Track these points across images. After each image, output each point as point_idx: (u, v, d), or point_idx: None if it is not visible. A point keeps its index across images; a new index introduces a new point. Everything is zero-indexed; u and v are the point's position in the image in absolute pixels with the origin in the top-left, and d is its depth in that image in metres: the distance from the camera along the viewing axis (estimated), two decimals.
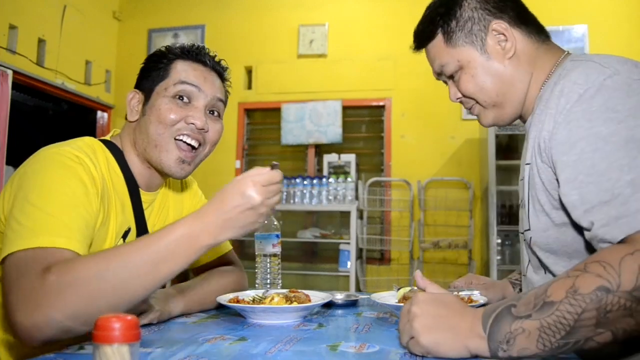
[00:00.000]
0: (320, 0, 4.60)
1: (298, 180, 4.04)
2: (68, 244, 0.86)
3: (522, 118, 1.06)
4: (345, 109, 4.41)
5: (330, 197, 3.98)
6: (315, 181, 4.03)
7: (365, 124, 4.59)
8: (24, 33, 3.74)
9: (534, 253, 0.99)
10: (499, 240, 3.73)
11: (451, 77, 1.06)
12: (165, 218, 1.25)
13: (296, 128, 4.46)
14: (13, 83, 3.49)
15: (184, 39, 4.64)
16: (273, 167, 0.92)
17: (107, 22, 4.78)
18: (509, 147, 3.91)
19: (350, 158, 4.32)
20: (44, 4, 3.96)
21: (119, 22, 4.91)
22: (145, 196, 1.18)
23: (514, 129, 3.69)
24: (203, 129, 1.12)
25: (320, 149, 4.51)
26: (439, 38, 1.04)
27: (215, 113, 1.18)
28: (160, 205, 1.24)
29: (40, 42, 3.92)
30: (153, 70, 1.14)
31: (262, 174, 0.88)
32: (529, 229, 0.97)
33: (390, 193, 4.24)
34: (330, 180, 4.01)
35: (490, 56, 1.00)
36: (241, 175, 0.88)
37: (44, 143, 1.06)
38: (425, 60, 1.10)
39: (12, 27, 3.66)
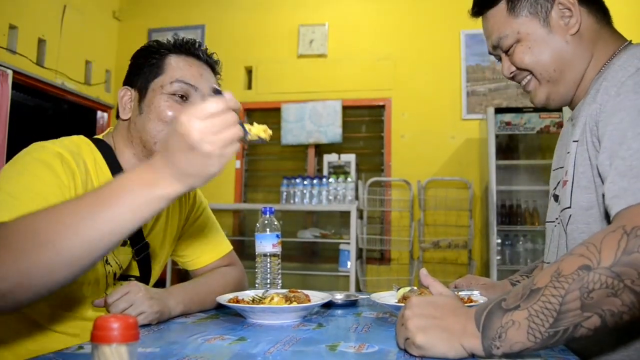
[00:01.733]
0: (320, 0, 4.60)
1: (298, 180, 4.04)
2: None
3: (572, 103, 1.03)
4: (345, 108, 4.41)
5: (330, 197, 3.98)
6: (315, 181, 4.03)
7: (365, 123, 4.59)
8: (24, 33, 3.74)
9: (567, 236, 0.95)
10: (499, 240, 3.73)
11: (507, 51, 1.02)
12: (163, 218, 1.23)
13: (296, 128, 4.45)
14: (13, 83, 3.50)
15: None
16: (215, 92, 0.76)
17: (107, 22, 4.78)
18: (509, 147, 3.91)
19: (350, 158, 4.32)
20: (44, 4, 3.95)
21: (119, 22, 4.91)
22: None
23: (514, 129, 3.69)
24: None
25: (320, 149, 4.51)
26: (502, 6, 1.00)
27: None
28: None
29: (40, 42, 3.92)
30: (145, 66, 1.13)
31: (197, 106, 0.72)
32: (569, 207, 0.94)
33: (390, 193, 4.24)
34: (330, 180, 4.02)
35: (552, 30, 0.97)
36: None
37: None
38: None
39: (12, 27, 3.66)
